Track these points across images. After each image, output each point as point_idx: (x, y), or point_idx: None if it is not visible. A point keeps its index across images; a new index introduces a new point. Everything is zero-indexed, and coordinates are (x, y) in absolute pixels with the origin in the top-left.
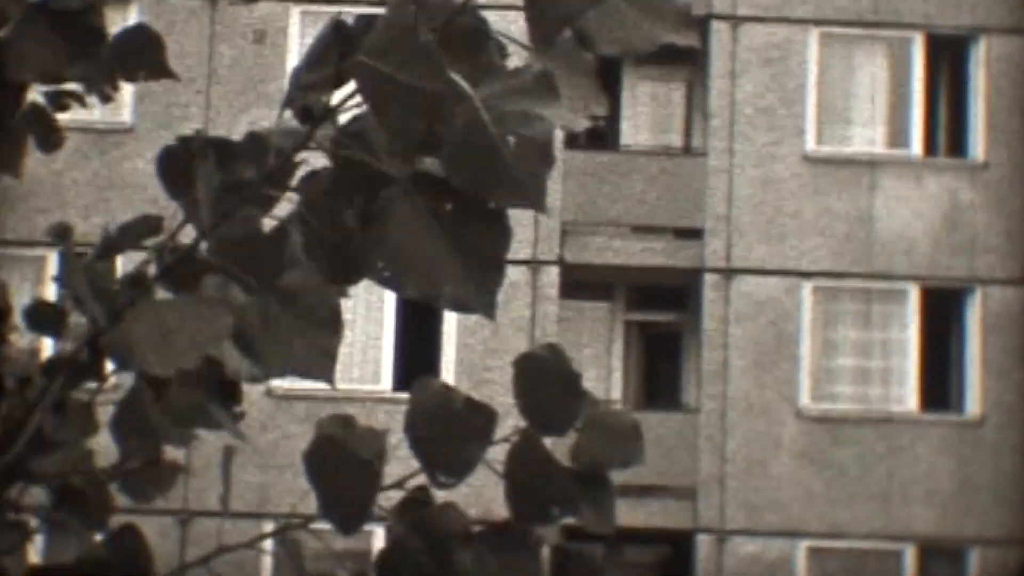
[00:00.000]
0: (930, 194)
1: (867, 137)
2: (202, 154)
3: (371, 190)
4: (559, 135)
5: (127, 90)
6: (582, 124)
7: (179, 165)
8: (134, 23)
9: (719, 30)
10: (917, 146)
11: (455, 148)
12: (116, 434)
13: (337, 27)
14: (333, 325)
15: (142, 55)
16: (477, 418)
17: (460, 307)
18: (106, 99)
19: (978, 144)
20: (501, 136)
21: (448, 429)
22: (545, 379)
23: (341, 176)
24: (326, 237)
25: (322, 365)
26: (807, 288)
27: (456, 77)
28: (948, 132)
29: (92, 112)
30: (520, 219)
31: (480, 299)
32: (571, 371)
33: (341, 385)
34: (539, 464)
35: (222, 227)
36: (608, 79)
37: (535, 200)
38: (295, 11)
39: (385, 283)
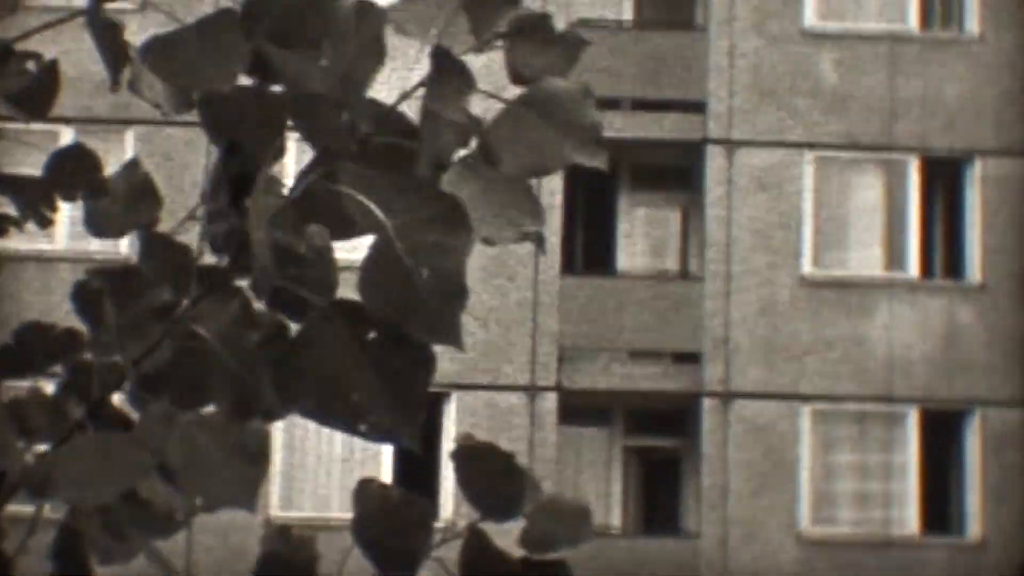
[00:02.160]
0: (928, 316)
1: (864, 259)
2: (106, 288)
3: (288, 316)
4: (557, 257)
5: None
6: (512, 240)
7: (93, 298)
8: (71, 143)
9: (714, 154)
10: (914, 268)
11: (369, 278)
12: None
13: (229, 149)
14: (260, 457)
15: (79, 173)
16: (415, 511)
17: (385, 437)
18: (44, 223)
19: (975, 265)
20: (415, 268)
21: (390, 526)
22: (485, 467)
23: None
24: (244, 368)
25: (246, 497)
26: (806, 411)
27: (371, 205)
28: (945, 253)
29: (92, 243)
30: (518, 344)
31: (405, 428)
32: (508, 455)
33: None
34: (490, 559)
35: (145, 359)
36: (604, 204)
37: (450, 335)
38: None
39: (308, 415)
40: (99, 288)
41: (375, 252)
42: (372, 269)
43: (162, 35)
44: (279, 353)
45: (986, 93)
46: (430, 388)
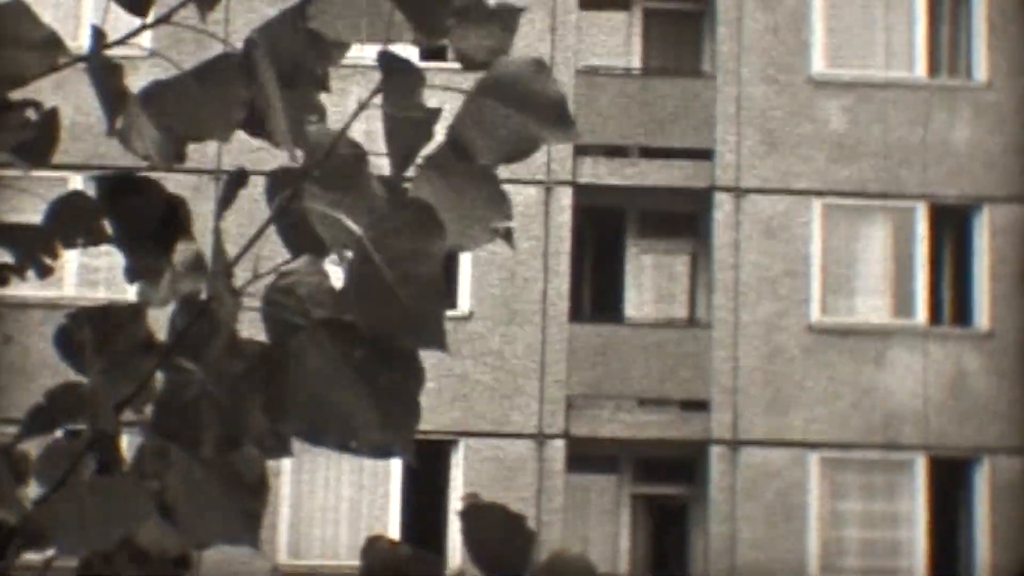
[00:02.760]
0: (936, 363)
1: (872, 307)
2: (88, 331)
3: (278, 340)
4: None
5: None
6: (484, 240)
7: (77, 341)
8: (71, 189)
9: (722, 202)
10: (922, 315)
11: (351, 291)
12: None
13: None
14: (259, 489)
15: (80, 221)
16: (423, 567)
17: (379, 453)
18: (45, 271)
19: (983, 313)
20: (395, 277)
21: None
22: (492, 525)
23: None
24: (231, 397)
25: (247, 530)
26: (814, 459)
27: (345, 219)
28: (953, 301)
29: (100, 290)
30: (526, 391)
31: (398, 442)
32: (516, 514)
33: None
34: None
35: (135, 399)
36: (612, 251)
37: (436, 340)
38: None
39: (300, 436)
40: (81, 331)
41: (355, 265)
42: (354, 282)
43: (161, 81)
44: (268, 376)
45: (994, 141)
46: (420, 399)
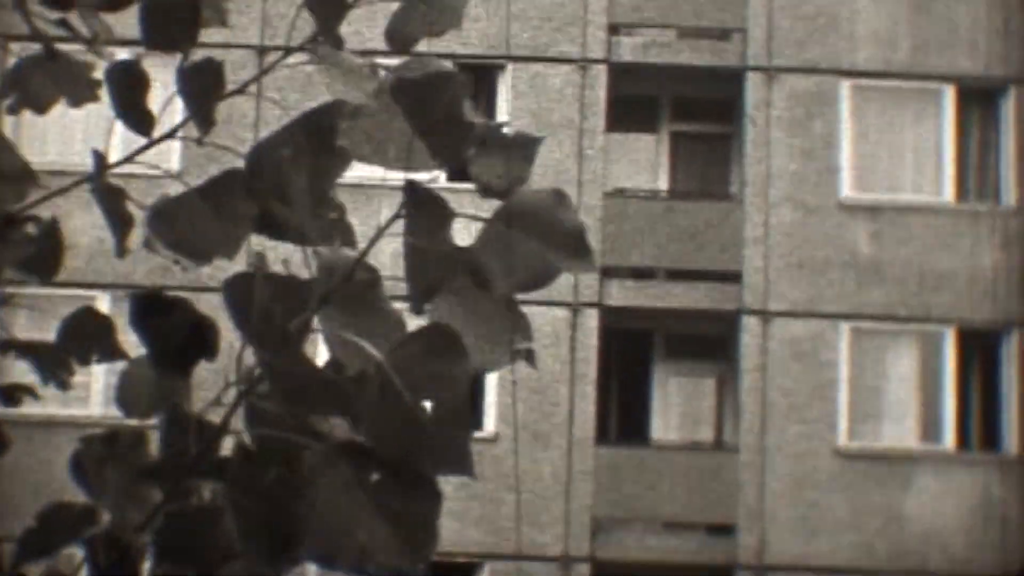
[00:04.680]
0: (964, 489)
1: (899, 431)
2: (105, 452)
3: (295, 464)
4: (591, 426)
5: None
6: (505, 362)
7: (91, 466)
8: (80, 307)
9: (750, 325)
10: (950, 440)
11: (372, 417)
12: None
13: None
14: None
15: (93, 337)
16: None
17: None
18: (64, 386)
19: (1011, 438)
20: (416, 402)
21: None
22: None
23: (263, 453)
24: (255, 517)
25: None
26: None
27: (364, 343)
28: (981, 426)
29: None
30: (552, 514)
31: (415, 567)
32: None
33: None
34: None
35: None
36: (638, 373)
37: (461, 466)
38: None
39: (315, 559)
40: (96, 455)
41: (376, 390)
42: (375, 408)
43: (166, 200)
44: (284, 499)
45: (1022, 265)
46: (438, 522)
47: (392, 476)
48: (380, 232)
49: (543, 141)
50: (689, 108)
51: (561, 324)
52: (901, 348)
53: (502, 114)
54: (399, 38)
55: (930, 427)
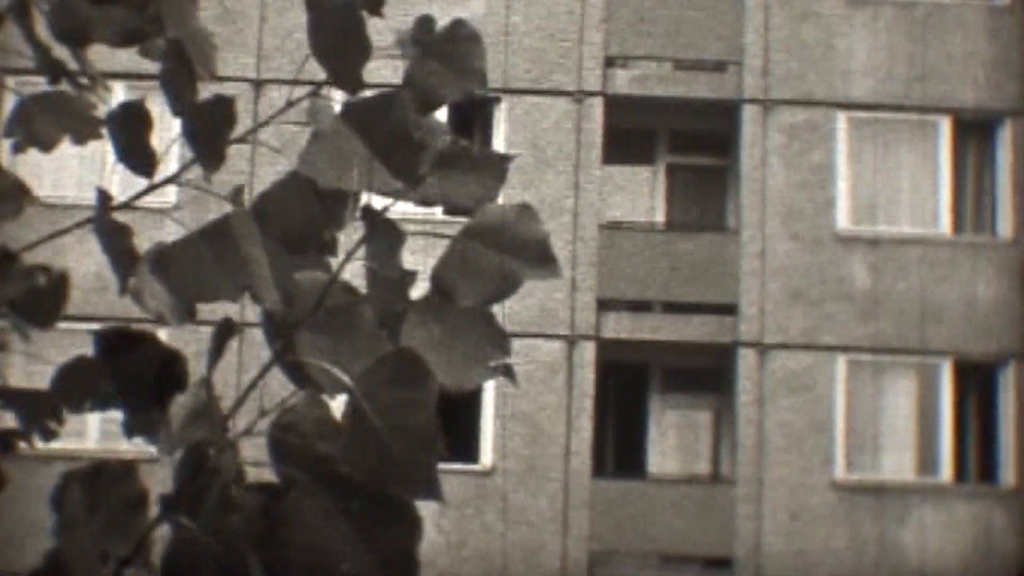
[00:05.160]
0: (961, 521)
1: (897, 464)
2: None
3: (273, 497)
4: (587, 459)
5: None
6: (483, 378)
7: (71, 501)
8: (76, 355)
9: (746, 357)
10: (947, 472)
11: (345, 444)
12: None
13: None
14: None
15: (86, 386)
16: None
17: None
18: (49, 436)
19: (1008, 470)
20: (385, 427)
21: None
22: None
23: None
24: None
25: None
26: None
27: (334, 370)
28: (978, 458)
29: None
30: (548, 546)
31: None
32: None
33: None
34: None
35: (136, 557)
36: (635, 406)
37: (428, 490)
38: None
39: None
40: (75, 490)
41: (349, 417)
42: (348, 435)
43: (168, 244)
44: (264, 532)
45: (1019, 297)
46: (418, 548)
47: (371, 504)
48: (347, 257)
49: (514, 159)
50: (685, 140)
51: (558, 357)
52: (898, 380)
53: (499, 146)
54: (421, 96)
55: (927, 459)
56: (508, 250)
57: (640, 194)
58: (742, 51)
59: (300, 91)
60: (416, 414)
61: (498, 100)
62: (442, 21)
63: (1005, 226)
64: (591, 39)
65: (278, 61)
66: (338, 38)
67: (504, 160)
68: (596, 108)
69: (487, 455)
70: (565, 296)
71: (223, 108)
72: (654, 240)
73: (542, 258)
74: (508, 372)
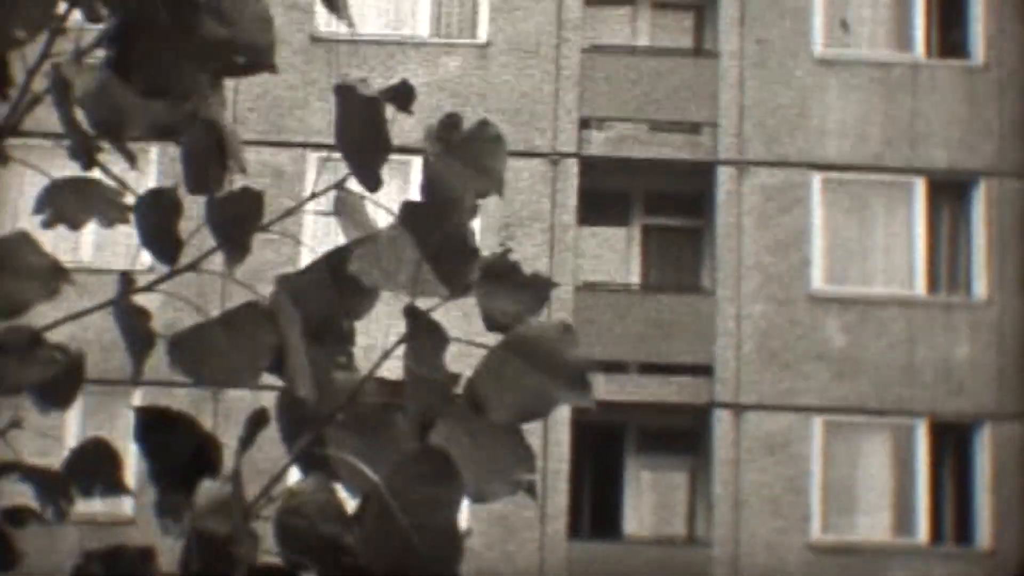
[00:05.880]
0: None
1: (873, 525)
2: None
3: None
4: (563, 520)
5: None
6: (505, 493)
7: None
8: (91, 437)
9: (722, 418)
10: (923, 533)
11: (367, 538)
12: None
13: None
14: None
15: (98, 470)
16: None
17: None
18: (61, 516)
19: (984, 531)
20: (410, 524)
21: None
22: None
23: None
24: None
25: None
26: None
27: (363, 466)
28: (954, 519)
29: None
30: None
31: None
32: None
33: None
34: None
35: None
36: (611, 467)
37: None
38: None
39: None
40: (95, 567)
41: (370, 511)
42: (368, 527)
43: (188, 330)
44: None
45: (994, 357)
46: None
47: None
48: (386, 355)
49: (557, 286)
50: (660, 201)
51: None
52: (874, 441)
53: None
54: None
55: (903, 520)
56: (545, 369)
57: (615, 255)
58: (717, 112)
59: (324, 182)
60: (441, 512)
61: None
62: (416, 80)
63: (980, 286)
64: (566, 100)
65: (252, 122)
66: (361, 133)
67: (548, 284)
68: (571, 169)
69: (463, 517)
70: None
71: (250, 201)
72: (630, 301)
73: (579, 383)
74: (531, 489)
